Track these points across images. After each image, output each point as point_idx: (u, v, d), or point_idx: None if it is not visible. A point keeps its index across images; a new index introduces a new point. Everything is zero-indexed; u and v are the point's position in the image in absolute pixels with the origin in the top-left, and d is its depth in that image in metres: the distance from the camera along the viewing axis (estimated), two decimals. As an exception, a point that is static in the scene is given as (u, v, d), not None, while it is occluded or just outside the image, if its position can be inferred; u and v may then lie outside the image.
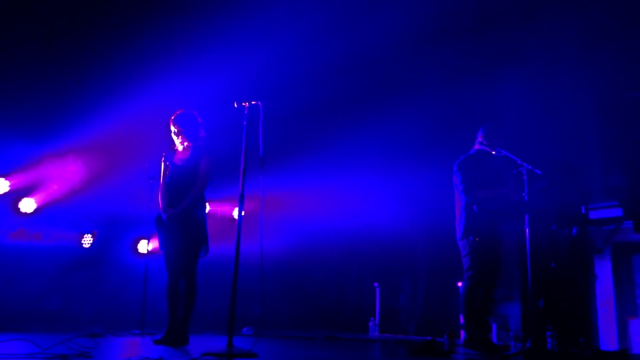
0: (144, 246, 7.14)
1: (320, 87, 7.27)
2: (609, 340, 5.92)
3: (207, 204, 4.87)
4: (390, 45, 6.95)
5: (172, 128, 4.75)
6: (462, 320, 4.74)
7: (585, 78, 6.51)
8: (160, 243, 4.71)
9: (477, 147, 4.99)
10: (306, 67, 6.90)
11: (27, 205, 6.80)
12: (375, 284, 7.58)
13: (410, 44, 6.96)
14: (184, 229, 4.59)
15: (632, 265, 6.03)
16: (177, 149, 4.83)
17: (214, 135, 5.04)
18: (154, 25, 6.47)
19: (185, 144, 4.79)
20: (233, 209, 8.31)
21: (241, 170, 3.84)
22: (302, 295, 8.30)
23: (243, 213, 3.85)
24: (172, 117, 4.78)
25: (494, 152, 4.80)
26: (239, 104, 3.98)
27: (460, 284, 4.89)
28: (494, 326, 6.10)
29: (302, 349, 4.82)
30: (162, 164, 4.82)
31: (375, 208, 8.18)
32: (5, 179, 6.55)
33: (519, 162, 4.43)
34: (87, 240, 7.01)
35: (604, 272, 6.11)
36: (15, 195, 6.72)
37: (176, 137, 4.77)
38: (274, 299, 7.73)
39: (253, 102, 3.95)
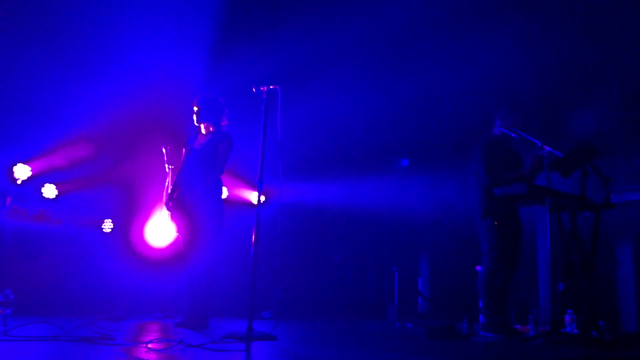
0: (161, 231, 7.20)
1: (339, 65, 7.26)
2: (629, 324, 5.88)
3: (224, 188, 4.89)
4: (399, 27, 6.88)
5: (194, 108, 4.79)
6: (480, 304, 4.73)
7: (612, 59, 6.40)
8: (179, 227, 4.75)
9: (495, 130, 4.94)
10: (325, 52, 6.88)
11: (49, 190, 6.92)
12: (394, 269, 7.59)
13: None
14: (199, 213, 4.62)
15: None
16: (200, 134, 4.87)
17: (234, 123, 5.07)
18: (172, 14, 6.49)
19: (207, 128, 4.82)
20: (252, 195, 8.34)
21: (260, 155, 3.85)
22: (322, 281, 8.33)
23: (263, 198, 3.86)
24: (194, 104, 4.81)
25: (514, 135, 4.75)
26: (258, 89, 3.98)
27: (479, 267, 4.87)
28: (513, 310, 6.09)
29: (321, 332, 4.85)
30: (184, 148, 4.85)
31: (394, 193, 8.16)
32: (27, 164, 6.66)
33: (539, 144, 4.38)
34: (107, 226, 7.08)
35: (624, 257, 6.06)
36: (37, 180, 6.84)
37: (195, 118, 4.79)
38: (293, 285, 7.78)
39: (272, 87, 3.94)
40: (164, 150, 5.88)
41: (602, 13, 6.21)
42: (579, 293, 4.24)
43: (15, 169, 6.58)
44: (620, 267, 6.08)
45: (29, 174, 6.66)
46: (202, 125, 4.84)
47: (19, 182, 6.57)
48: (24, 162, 6.65)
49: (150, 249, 7.03)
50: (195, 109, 4.81)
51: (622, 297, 5.99)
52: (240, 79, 6.35)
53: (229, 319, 5.95)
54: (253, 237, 3.70)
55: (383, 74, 7.55)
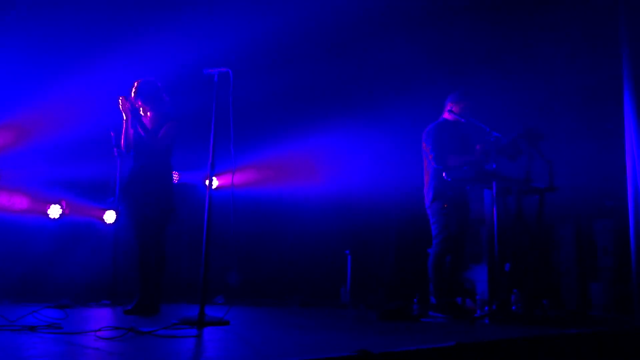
0: (111, 216, 7.04)
1: (292, 51, 7.17)
2: (570, 302, 6.14)
3: (174, 173, 4.83)
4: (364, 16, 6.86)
5: (133, 97, 4.64)
6: (430, 285, 4.85)
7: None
8: (128, 213, 4.66)
9: (445, 115, 5.02)
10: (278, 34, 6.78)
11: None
12: (347, 251, 7.65)
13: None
14: (151, 198, 4.55)
15: (592, 230, 6.24)
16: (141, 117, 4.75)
17: (182, 104, 4.96)
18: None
19: (148, 113, 4.72)
20: (201, 180, 8.23)
21: (211, 139, 3.80)
22: (274, 264, 8.33)
23: (215, 182, 3.82)
24: (133, 88, 4.68)
25: (462, 120, 4.85)
26: (208, 71, 3.91)
27: (429, 250, 4.98)
28: (461, 290, 6.26)
29: (274, 316, 4.87)
30: (124, 131, 4.70)
31: (346, 175, 8.21)
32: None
33: (487, 130, 4.48)
34: (54, 211, 6.87)
35: (566, 237, 6.31)
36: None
37: (140, 108, 4.68)
38: (247, 269, 7.76)
39: (222, 70, 3.88)
40: (112, 134, 5.73)
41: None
42: (523, 273, 4.40)
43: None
44: (562, 248, 6.33)
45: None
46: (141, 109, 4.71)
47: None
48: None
49: (99, 233, 6.88)
50: (138, 103, 4.66)
51: (564, 276, 6.25)
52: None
53: (180, 305, 5.89)
54: (205, 221, 3.67)
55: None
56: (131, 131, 4.66)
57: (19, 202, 6.74)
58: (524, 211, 4.51)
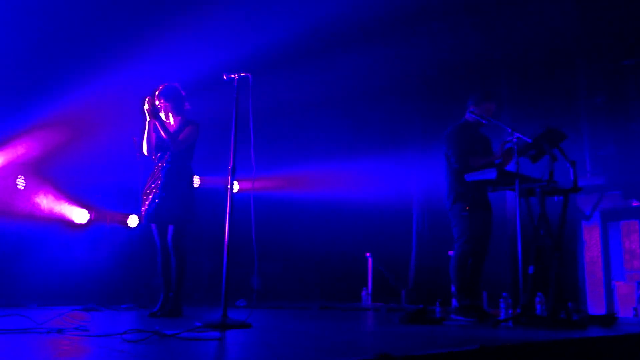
0: (134, 220, 7.13)
1: (316, 59, 7.20)
2: (597, 305, 6.05)
3: (195, 177, 4.87)
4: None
5: (157, 103, 4.69)
6: (453, 288, 4.81)
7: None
8: (150, 216, 4.71)
9: (467, 116, 4.99)
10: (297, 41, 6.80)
11: (20, 182, 6.73)
12: (368, 254, 7.65)
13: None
14: (172, 202, 4.60)
15: (619, 231, 6.14)
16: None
17: (202, 110, 5.00)
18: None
19: (172, 118, 4.77)
20: (222, 184, 8.29)
21: (232, 143, 3.83)
22: (296, 267, 8.36)
23: (236, 186, 3.85)
24: (156, 92, 4.74)
25: (484, 121, 4.81)
26: (228, 76, 3.94)
27: (451, 252, 4.94)
28: (484, 293, 6.20)
29: (295, 319, 4.88)
30: (147, 134, 4.75)
31: (367, 178, 8.21)
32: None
33: (509, 130, 4.44)
34: (81, 217, 6.96)
35: (592, 239, 6.22)
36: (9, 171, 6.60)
37: (163, 112, 4.73)
38: (268, 272, 7.79)
39: (242, 74, 3.91)
40: (134, 140, 5.80)
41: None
42: (548, 276, 4.34)
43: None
44: (588, 249, 6.25)
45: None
46: (163, 114, 4.76)
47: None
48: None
49: (122, 238, 6.96)
50: (161, 104, 4.71)
51: (590, 278, 6.16)
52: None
53: (203, 308, 5.93)
54: (226, 224, 3.70)
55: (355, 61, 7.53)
56: (153, 134, 4.72)
57: (46, 207, 6.84)
58: (547, 212, 4.46)
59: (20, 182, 6.57)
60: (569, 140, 4.42)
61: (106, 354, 2.29)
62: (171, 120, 4.79)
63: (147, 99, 4.57)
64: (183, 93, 4.83)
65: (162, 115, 4.73)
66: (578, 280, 6.25)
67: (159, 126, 4.59)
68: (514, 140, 4.37)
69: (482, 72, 7.26)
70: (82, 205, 7.04)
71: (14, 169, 6.57)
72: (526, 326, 3.95)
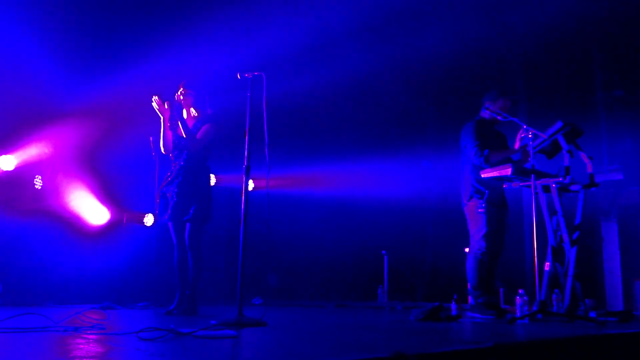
0: (150, 218, 7.18)
1: (332, 57, 7.19)
2: (615, 301, 5.98)
3: (212, 175, 4.89)
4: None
5: (181, 90, 4.71)
6: (469, 285, 4.78)
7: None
8: (167, 215, 4.73)
9: (482, 113, 4.96)
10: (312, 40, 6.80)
11: (38, 182, 6.79)
12: (383, 252, 7.63)
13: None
14: (189, 200, 4.62)
15: (638, 227, 6.06)
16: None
17: (221, 107, 5.01)
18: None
19: (193, 112, 4.78)
20: (238, 182, 8.31)
21: (246, 142, 3.84)
22: (312, 265, 8.36)
23: (251, 184, 3.86)
24: (183, 81, 4.75)
25: (499, 118, 4.77)
26: (242, 75, 3.94)
27: (467, 249, 4.91)
28: (501, 290, 6.16)
29: (311, 317, 4.88)
30: (162, 133, 4.77)
31: (382, 177, 8.19)
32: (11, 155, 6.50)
33: (525, 126, 4.40)
34: (100, 216, 7.01)
35: (610, 235, 6.14)
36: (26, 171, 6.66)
37: (183, 100, 4.72)
38: (284, 270, 7.80)
39: (256, 73, 3.91)
40: (151, 139, 5.84)
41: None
42: (565, 272, 4.30)
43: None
44: (606, 245, 6.17)
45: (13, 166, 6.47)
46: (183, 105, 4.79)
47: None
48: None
49: (139, 236, 7.00)
50: (184, 92, 4.73)
51: (608, 275, 6.09)
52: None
53: (218, 307, 5.97)
54: (242, 223, 3.71)
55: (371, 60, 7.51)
56: (169, 133, 4.74)
57: (70, 205, 6.89)
58: (564, 208, 4.41)
59: (38, 182, 6.63)
60: (585, 135, 4.37)
61: (122, 352, 2.31)
62: (193, 111, 4.80)
63: (155, 98, 4.59)
64: (207, 95, 4.86)
65: (184, 112, 4.74)
66: (597, 277, 6.18)
67: (180, 125, 4.59)
68: (530, 136, 4.33)
69: (497, 67, 7.20)
70: (104, 203, 7.10)
71: (36, 167, 6.65)
72: (543, 323, 3.92)
